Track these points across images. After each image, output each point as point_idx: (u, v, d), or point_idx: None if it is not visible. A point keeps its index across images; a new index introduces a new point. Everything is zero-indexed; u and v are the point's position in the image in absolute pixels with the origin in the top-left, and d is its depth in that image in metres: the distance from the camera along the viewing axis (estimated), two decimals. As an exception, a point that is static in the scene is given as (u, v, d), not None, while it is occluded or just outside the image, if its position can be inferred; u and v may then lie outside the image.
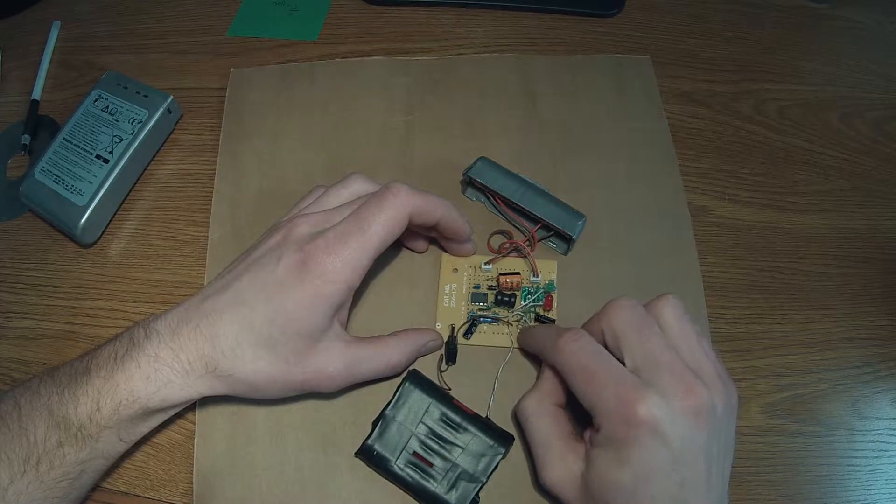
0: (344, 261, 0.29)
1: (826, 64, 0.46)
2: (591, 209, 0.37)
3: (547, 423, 0.30)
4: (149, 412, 0.29)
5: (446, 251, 0.37)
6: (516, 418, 0.32)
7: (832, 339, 0.37)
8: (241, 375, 0.29)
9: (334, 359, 0.30)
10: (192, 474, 0.33)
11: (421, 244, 0.37)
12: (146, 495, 0.33)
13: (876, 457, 0.34)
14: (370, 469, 0.32)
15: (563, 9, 0.47)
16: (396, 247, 0.37)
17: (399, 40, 0.47)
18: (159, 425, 0.34)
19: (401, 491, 0.32)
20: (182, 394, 0.29)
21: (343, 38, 0.47)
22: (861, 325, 0.37)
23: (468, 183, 0.38)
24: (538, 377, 0.32)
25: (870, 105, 0.45)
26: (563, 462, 0.29)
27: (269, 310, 0.28)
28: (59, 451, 0.28)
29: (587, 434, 0.29)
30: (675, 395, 0.26)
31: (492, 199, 0.38)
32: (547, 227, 0.36)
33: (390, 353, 0.32)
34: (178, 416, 0.34)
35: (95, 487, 0.33)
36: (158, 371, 0.29)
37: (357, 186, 0.33)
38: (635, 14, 0.48)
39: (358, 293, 0.32)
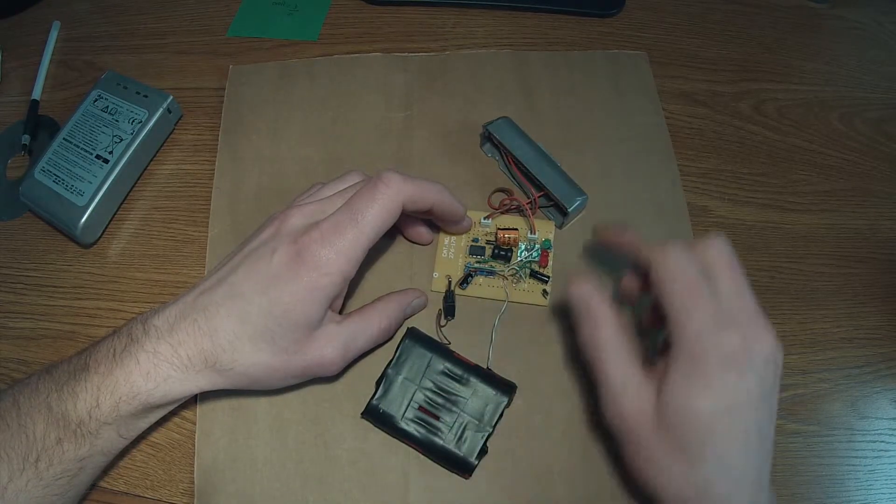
0: (339, 252, 0.29)
1: (826, 64, 0.46)
2: (588, 203, 0.37)
3: (622, 350, 0.28)
4: (149, 408, 0.29)
5: (443, 231, 0.37)
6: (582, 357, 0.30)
7: (832, 339, 0.37)
8: (242, 369, 0.29)
9: (331, 342, 0.30)
10: (192, 474, 0.33)
11: (425, 236, 0.37)
12: (146, 495, 0.33)
13: (876, 457, 0.34)
14: (371, 462, 0.32)
15: (563, 9, 0.47)
16: (393, 235, 0.38)
17: (399, 40, 0.47)
18: (159, 425, 0.34)
19: (402, 485, 0.32)
20: (182, 389, 0.29)
21: (343, 38, 0.47)
22: (861, 325, 0.37)
23: (487, 138, 0.39)
24: (590, 314, 0.30)
25: (869, 105, 0.45)
26: (641, 389, 0.28)
27: (265, 302, 0.28)
28: (59, 448, 0.28)
29: (660, 361, 0.28)
30: (756, 339, 0.27)
31: (505, 158, 0.39)
32: (549, 197, 0.37)
33: (379, 319, 0.33)
34: (178, 416, 0.35)
35: (94, 486, 0.33)
36: (158, 367, 0.29)
37: (354, 182, 0.33)
38: (635, 14, 0.48)
39: (354, 282, 0.32)
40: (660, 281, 0.28)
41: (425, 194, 0.31)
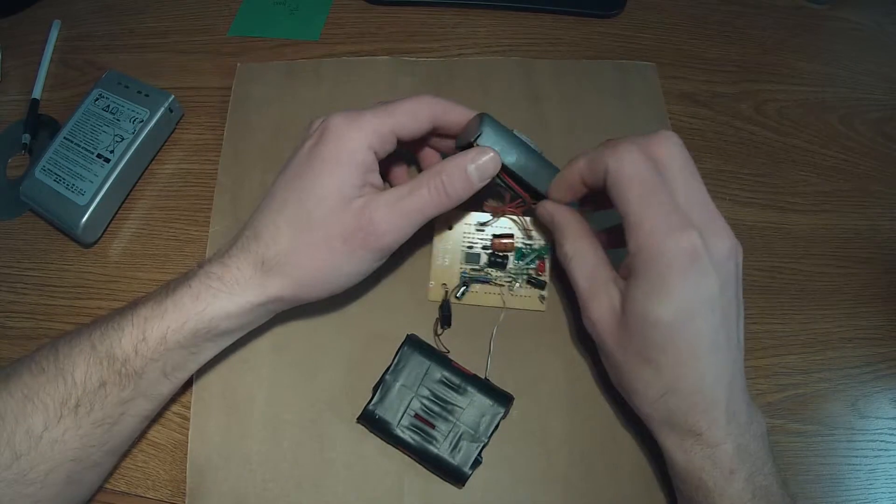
0: (362, 122, 0.29)
1: (826, 65, 0.46)
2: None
3: (590, 256, 0.30)
4: (199, 336, 0.29)
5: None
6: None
7: (832, 339, 0.37)
8: (290, 260, 0.29)
9: (378, 206, 0.29)
10: (193, 474, 0.33)
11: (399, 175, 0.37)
12: (147, 495, 0.33)
13: (876, 456, 0.34)
14: (366, 466, 0.32)
15: (563, 9, 0.47)
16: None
17: (400, 40, 0.47)
18: (160, 425, 0.34)
19: (397, 490, 0.32)
20: (230, 305, 0.29)
21: (344, 37, 0.47)
22: (861, 325, 0.37)
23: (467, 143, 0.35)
24: (556, 228, 0.32)
25: (870, 106, 0.45)
26: (607, 291, 0.28)
27: (298, 184, 0.29)
28: (101, 392, 0.27)
29: (623, 265, 0.28)
30: (715, 235, 0.26)
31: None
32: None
33: (429, 178, 0.29)
34: (179, 415, 0.34)
35: (100, 488, 0.33)
36: (208, 287, 0.29)
37: None
38: (636, 15, 0.48)
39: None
40: (615, 185, 0.27)
41: (457, 115, 0.32)
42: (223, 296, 0.29)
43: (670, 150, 0.28)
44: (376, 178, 0.31)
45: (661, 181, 0.27)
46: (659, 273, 0.26)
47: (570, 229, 0.31)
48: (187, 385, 0.33)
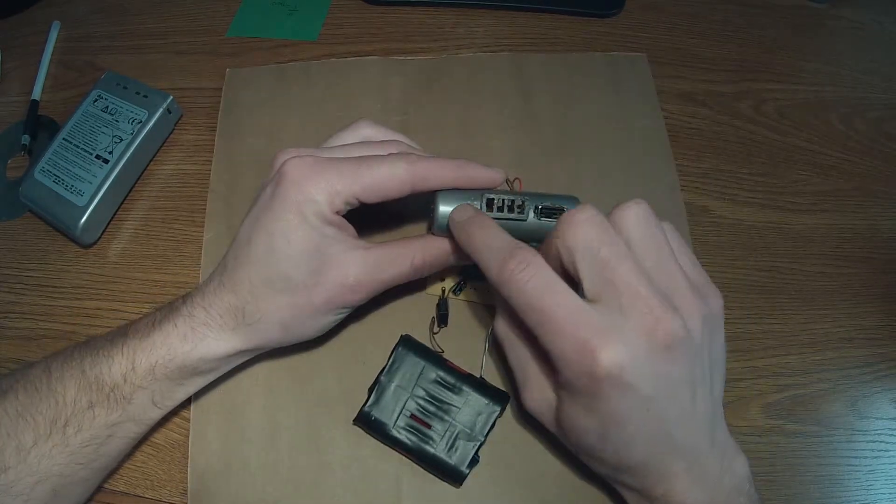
0: (320, 181, 0.27)
1: (826, 64, 0.46)
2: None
3: (519, 345, 0.28)
4: (185, 372, 0.29)
5: None
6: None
7: (832, 339, 0.37)
8: (268, 316, 0.29)
9: (353, 267, 0.29)
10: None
11: None
12: (146, 495, 0.33)
13: (876, 457, 0.34)
14: (364, 468, 0.32)
15: (563, 9, 0.47)
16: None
17: (399, 40, 0.47)
18: (160, 425, 0.34)
19: (395, 491, 0.32)
20: (218, 349, 0.29)
21: (343, 38, 0.47)
22: (861, 325, 0.37)
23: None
24: (496, 303, 0.30)
25: (870, 105, 0.45)
26: (539, 386, 0.28)
27: (264, 238, 0.28)
28: (89, 413, 0.28)
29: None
30: (640, 333, 0.23)
31: None
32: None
33: (413, 253, 0.30)
34: (178, 416, 0.34)
35: (100, 488, 0.33)
36: (194, 329, 0.29)
37: (365, 131, 0.32)
38: (635, 14, 0.48)
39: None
40: (512, 306, 0.25)
41: (440, 174, 0.29)
42: (210, 340, 0.29)
43: (575, 234, 0.25)
44: (347, 228, 0.30)
45: (557, 297, 0.24)
46: (583, 397, 0.24)
47: (505, 311, 0.29)
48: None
